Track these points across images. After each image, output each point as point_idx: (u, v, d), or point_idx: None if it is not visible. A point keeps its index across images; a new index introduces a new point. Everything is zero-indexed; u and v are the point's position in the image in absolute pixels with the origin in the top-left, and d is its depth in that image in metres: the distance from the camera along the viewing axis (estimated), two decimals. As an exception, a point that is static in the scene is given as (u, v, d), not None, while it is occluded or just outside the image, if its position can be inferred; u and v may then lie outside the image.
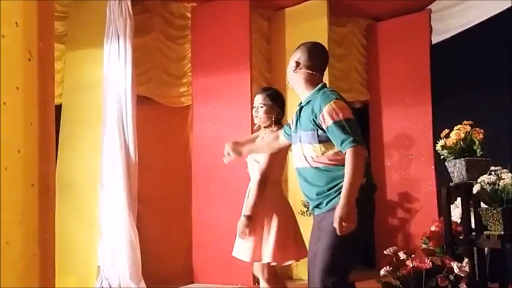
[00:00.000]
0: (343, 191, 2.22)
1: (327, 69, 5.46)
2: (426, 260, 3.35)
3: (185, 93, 5.64)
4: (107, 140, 4.79)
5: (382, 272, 3.47)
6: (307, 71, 2.45)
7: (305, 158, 2.40)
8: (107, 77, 4.89)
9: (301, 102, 2.50)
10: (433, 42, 5.82)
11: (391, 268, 3.42)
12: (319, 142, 2.33)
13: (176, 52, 5.67)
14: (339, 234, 2.19)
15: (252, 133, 5.11)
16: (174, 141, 5.58)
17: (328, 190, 2.34)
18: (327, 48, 2.58)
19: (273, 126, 3.01)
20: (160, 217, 5.21)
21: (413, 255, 3.40)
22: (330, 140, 2.31)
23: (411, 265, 3.31)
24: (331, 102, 2.30)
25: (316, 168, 2.37)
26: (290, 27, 5.87)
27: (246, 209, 2.86)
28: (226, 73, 5.33)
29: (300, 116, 2.47)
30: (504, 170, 3.42)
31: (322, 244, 2.30)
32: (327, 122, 2.28)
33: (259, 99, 3.05)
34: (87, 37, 5.06)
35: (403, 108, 5.92)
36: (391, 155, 6.01)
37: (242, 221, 2.83)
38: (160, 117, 5.54)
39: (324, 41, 5.60)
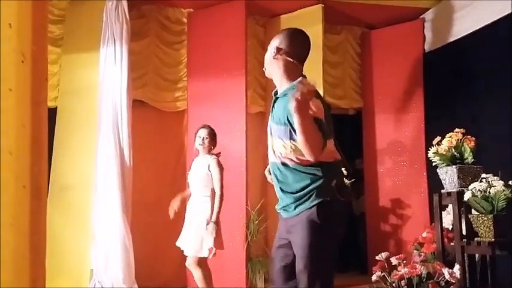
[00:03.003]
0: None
1: (321, 76, 5.63)
2: (417, 266, 3.37)
3: (180, 98, 5.66)
4: (102, 143, 4.80)
5: (374, 277, 3.49)
6: (288, 58, 2.25)
7: (274, 152, 2.27)
8: (102, 81, 4.90)
9: (276, 92, 2.34)
10: (427, 51, 5.87)
11: (383, 274, 3.44)
12: (290, 139, 2.16)
13: (172, 57, 5.69)
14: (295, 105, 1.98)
15: (246, 137, 5.14)
16: (169, 146, 5.59)
17: (297, 192, 2.18)
18: (310, 39, 2.34)
19: (211, 153, 4.03)
20: (154, 221, 5.20)
21: (405, 261, 3.42)
22: None
23: (403, 271, 3.33)
24: None
25: (285, 165, 2.22)
26: (285, 33, 5.89)
27: (215, 216, 3.84)
28: (221, 78, 5.35)
29: (274, 107, 2.30)
30: (495, 178, 3.46)
31: (300, 250, 2.16)
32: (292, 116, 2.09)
33: (205, 132, 4.03)
34: (83, 41, 5.08)
35: (396, 115, 5.96)
36: (384, 161, 6.03)
37: (213, 225, 3.81)
38: (156, 122, 5.56)
39: (318, 48, 5.64)
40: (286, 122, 2.17)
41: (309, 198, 2.15)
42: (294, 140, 2.15)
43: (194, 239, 3.83)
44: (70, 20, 5.18)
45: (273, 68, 2.30)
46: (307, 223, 2.14)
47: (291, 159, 2.20)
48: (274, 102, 2.31)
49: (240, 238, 4.93)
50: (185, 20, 5.72)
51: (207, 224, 3.79)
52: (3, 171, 1.50)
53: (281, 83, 2.30)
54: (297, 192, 2.17)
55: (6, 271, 1.47)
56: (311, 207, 2.14)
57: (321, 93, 5.56)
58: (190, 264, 3.88)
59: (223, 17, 5.45)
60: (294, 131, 2.11)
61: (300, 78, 2.25)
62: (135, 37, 5.24)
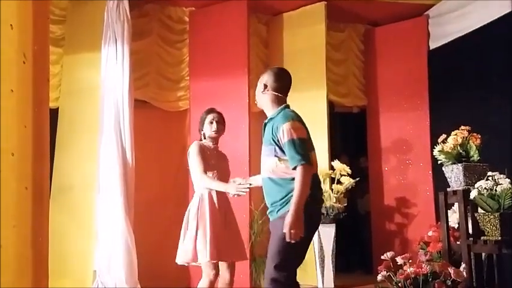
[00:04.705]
0: (292, 203, 2.54)
1: (325, 74, 5.60)
2: (423, 265, 3.34)
3: (183, 98, 5.63)
4: (104, 144, 4.78)
5: (379, 277, 3.47)
6: (273, 92, 2.78)
7: (264, 169, 2.77)
8: (104, 81, 4.88)
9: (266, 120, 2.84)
10: (431, 48, 5.83)
11: (388, 273, 3.42)
12: (275, 156, 2.67)
13: (174, 56, 5.67)
14: (287, 240, 2.51)
15: (249, 136, 5.12)
16: (171, 146, 5.57)
17: (280, 200, 2.66)
18: (290, 74, 2.89)
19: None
20: (156, 221, 5.19)
21: (410, 260, 3.40)
22: (283, 156, 2.64)
23: (408, 270, 3.30)
24: (288, 122, 2.63)
25: (271, 179, 2.71)
26: (288, 32, 5.88)
27: None
28: (224, 77, 5.33)
29: (264, 132, 2.81)
30: (501, 176, 3.42)
31: (273, 247, 2.62)
32: (284, 139, 2.61)
33: (219, 117, 3.51)
34: (85, 41, 5.06)
35: (400, 113, 5.93)
36: (389, 159, 6.00)
37: None
38: (158, 122, 5.54)
39: (321, 45, 5.62)
40: (272, 142, 2.68)
41: (287, 203, 2.60)
42: (278, 156, 2.65)
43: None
44: (71, 20, 5.16)
45: (263, 100, 2.83)
46: (283, 224, 2.55)
47: (276, 174, 2.68)
48: (264, 127, 2.81)
49: (243, 238, 4.90)
50: (187, 19, 5.70)
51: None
52: (5, 172, 1.48)
53: (269, 113, 2.82)
54: (280, 200, 2.66)
55: (8, 272, 1.47)
56: (288, 211, 2.56)
57: (325, 91, 5.60)
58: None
59: (225, 15, 5.42)
60: (280, 149, 2.64)
61: (283, 106, 2.77)
62: (136, 36, 5.22)
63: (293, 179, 2.59)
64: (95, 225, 4.69)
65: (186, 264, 3.36)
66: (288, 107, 2.79)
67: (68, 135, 4.90)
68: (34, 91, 1.60)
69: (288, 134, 2.60)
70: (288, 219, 2.50)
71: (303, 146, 2.60)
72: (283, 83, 2.82)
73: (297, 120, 2.68)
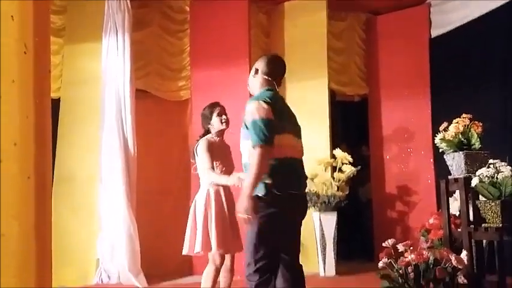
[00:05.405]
0: (244, 186, 2.45)
1: (326, 63, 5.56)
2: (424, 252, 3.36)
3: (184, 87, 5.64)
4: (106, 134, 4.80)
5: (380, 264, 3.49)
6: (264, 76, 2.74)
7: (243, 153, 2.66)
8: (105, 71, 4.89)
9: None
10: (433, 36, 5.81)
11: (389, 260, 3.43)
12: (248, 139, 2.55)
13: (175, 46, 5.66)
14: (243, 223, 2.46)
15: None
16: (172, 135, 5.58)
17: None
18: (285, 62, 2.88)
19: None
20: (159, 210, 5.22)
21: (411, 248, 3.41)
22: None
23: (409, 257, 3.32)
24: (254, 102, 2.55)
25: (246, 164, 2.59)
26: (289, 21, 5.85)
27: None
28: (225, 67, 5.32)
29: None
30: (502, 163, 3.42)
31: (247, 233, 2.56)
32: (248, 120, 2.53)
33: (224, 110, 3.54)
34: (86, 31, 5.05)
35: (402, 102, 5.92)
36: (390, 148, 6.01)
37: None
38: (159, 111, 5.55)
39: (323, 34, 5.60)
40: (244, 125, 2.59)
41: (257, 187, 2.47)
42: (249, 139, 2.52)
43: None
44: (72, 10, 5.16)
45: (253, 84, 2.80)
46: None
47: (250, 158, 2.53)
48: None
49: (244, 235, 4.93)
50: (188, 9, 5.68)
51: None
52: (7, 162, 1.49)
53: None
54: None
55: (12, 262, 1.48)
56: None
57: (326, 80, 5.59)
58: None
59: (226, 5, 5.40)
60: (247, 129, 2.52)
61: (265, 89, 2.70)
62: (137, 27, 5.21)
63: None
64: (98, 214, 4.73)
65: (192, 254, 3.45)
66: (270, 90, 2.68)
67: (70, 126, 4.92)
68: (35, 82, 1.60)
69: (251, 115, 2.51)
70: (239, 204, 2.42)
71: (265, 127, 2.45)
72: (274, 68, 2.77)
73: (264, 100, 2.53)
